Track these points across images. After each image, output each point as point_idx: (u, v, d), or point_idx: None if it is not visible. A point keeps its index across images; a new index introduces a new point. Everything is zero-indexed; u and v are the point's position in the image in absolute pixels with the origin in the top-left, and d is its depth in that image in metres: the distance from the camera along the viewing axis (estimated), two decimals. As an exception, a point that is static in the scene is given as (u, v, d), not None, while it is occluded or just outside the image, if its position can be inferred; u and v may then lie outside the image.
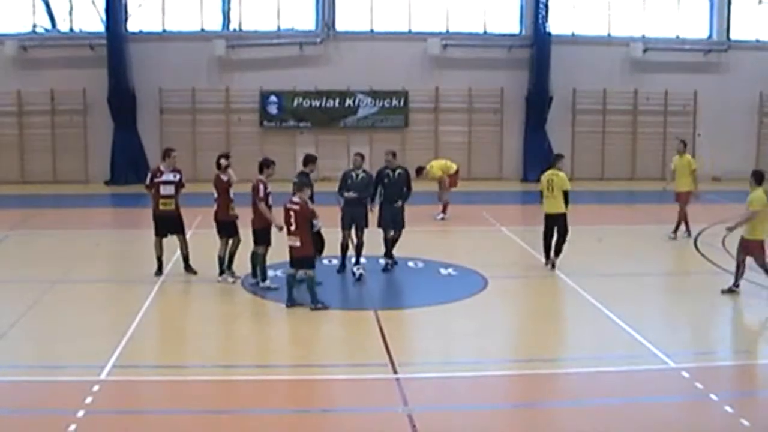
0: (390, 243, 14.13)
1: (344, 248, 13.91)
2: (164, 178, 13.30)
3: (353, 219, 13.70)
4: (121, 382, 9.11)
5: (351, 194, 13.61)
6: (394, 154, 14.42)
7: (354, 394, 9.08)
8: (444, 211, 19.24)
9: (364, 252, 13.86)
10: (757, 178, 12.68)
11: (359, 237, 13.80)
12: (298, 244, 11.56)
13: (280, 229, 12.04)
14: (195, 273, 13.52)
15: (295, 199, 11.64)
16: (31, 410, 8.24)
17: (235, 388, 9.16)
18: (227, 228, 13.18)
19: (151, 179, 13.39)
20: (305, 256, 11.66)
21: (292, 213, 11.53)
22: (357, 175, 13.81)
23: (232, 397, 8.86)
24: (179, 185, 13.48)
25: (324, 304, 11.74)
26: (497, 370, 9.62)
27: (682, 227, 16.85)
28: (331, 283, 13.80)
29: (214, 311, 12.04)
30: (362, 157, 14.14)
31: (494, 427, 8.27)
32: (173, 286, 13.16)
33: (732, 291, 12.54)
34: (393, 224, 14.00)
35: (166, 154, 13.57)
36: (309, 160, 13.44)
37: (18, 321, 11.15)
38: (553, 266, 13.81)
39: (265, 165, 12.78)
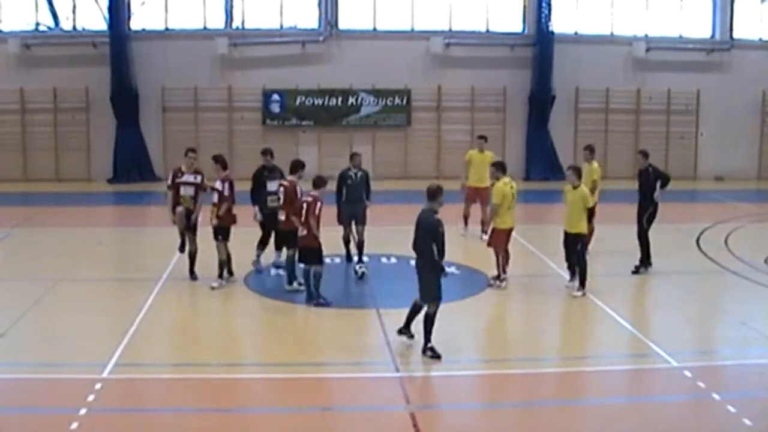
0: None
1: (347, 241, 14.30)
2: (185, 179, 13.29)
3: (353, 215, 14.02)
4: (123, 380, 9.14)
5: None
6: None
7: (356, 392, 9.09)
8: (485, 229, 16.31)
9: (367, 250, 13.90)
10: (502, 168, 13.33)
11: (360, 233, 14.02)
12: (304, 233, 11.84)
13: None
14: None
15: (313, 192, 12.00)
16: (34, 408, 8.26)
17: (236, 386, 9.18)
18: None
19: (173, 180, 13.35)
20: (310, 247, 11.84)
21: (304, 204, 11.87)
22: (356, 174, 14.12)
23: (234, 395, 8.88)
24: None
25: (326, 300, 11.89)
26: (499, 368, 9.63)
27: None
28: (333, 281, 13.81)
29: (217, 310, 12.06)
30: (359, 156, 14.49)
31: (496, 425, 8.28)
32: (176, 285, 13.16)
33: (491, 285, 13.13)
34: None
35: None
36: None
37: (20, 319, 11.17)
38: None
39: (301, 166, 12.79)
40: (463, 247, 16.27)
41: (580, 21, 27.59)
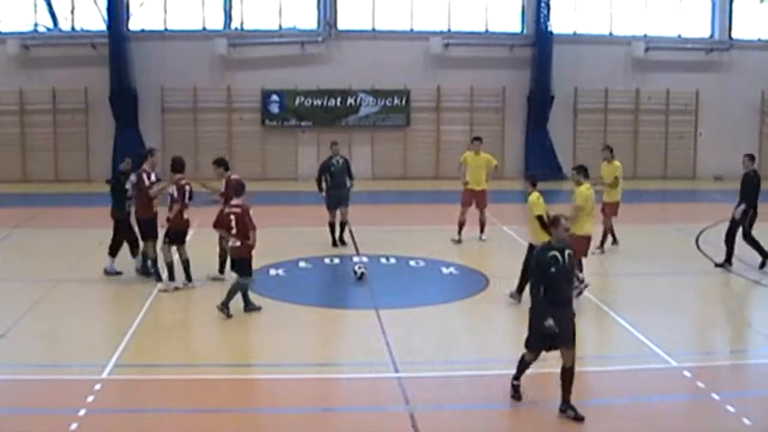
0: None
1: (332, 226, 15.61)
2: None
3: (339, 200, 15.57)
4: (122, 380, 9.13)
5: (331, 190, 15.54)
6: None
7: (355, 393, 9.08)
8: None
9: (366, 251, 13.95)
10: (584, 172, 12.32)
11: (344, 214, 15.59)
12: (238, 244, 11.58)
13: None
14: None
15: (237, 202, 11.70)
16: (34, 409, 8.24)
17: (236, 386, 9.17)
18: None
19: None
20: (244, 258, 11.62)
21: (232, 216, 11.57)
22: (338, 161, 15.74)
23: (233, 395, 8.87)
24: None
25: (255, 305, 11.72)
26: (498, 369, 9.59)
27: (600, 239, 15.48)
28: (333, 282, 13.82)
29: (216, 311, 12.03)
30: (338, 144, 16.26)
31: (495, 426, 8.28)
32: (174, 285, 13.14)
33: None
34: None
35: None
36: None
37: (20, 320, 11.16)
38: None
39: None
40: (463, 247, 16.26)
41: (579, 21, 27.61)
